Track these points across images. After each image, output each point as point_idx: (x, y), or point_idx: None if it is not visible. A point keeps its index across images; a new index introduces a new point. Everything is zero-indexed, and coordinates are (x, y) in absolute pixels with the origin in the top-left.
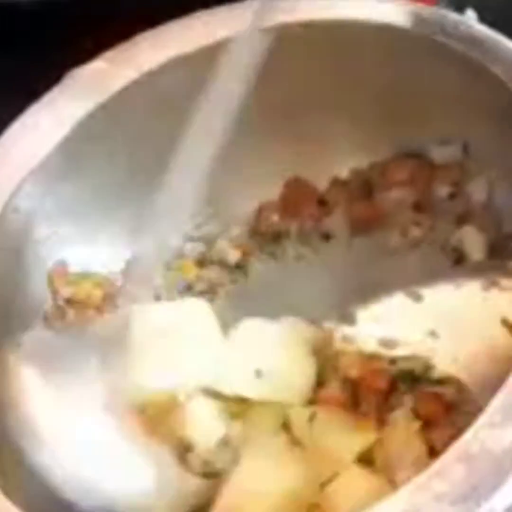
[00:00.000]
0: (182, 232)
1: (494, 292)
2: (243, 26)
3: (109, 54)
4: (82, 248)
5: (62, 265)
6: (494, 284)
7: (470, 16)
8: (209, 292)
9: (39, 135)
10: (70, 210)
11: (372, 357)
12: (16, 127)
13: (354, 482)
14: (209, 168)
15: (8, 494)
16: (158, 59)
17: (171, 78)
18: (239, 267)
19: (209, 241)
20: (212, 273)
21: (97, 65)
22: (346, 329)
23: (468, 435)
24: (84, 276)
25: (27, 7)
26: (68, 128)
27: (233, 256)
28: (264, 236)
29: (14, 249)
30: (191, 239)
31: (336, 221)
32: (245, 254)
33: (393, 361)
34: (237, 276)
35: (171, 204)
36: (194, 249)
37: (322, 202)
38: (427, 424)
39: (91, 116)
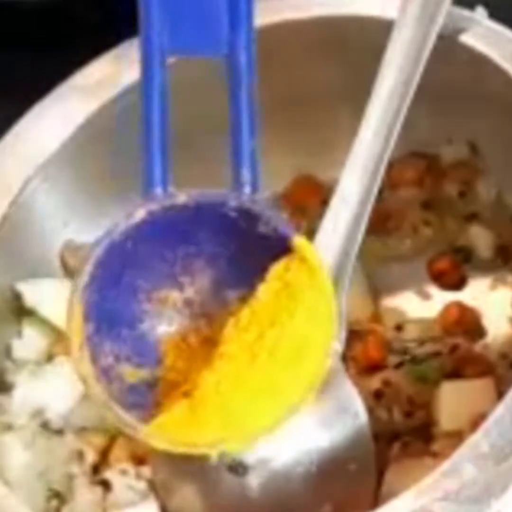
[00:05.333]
0: None
1: (501, 290)
2: None
3: (115, 51)
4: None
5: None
6: (502, 282)
7: (480, 13)
8: None
9: (46, 132)
10: (78, 204)
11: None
12: (23, 124)
13: None
14: None
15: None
16: None
17: (175, 75)
18: None
19: None
20: None
21: (103, 63)
22: None
23: (478, 435)
24: None
25: (32, 6)
26: (75, 125)
27: None
28: None
29: (22, 243)
30: None
31: None
32: None
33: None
34: None
35: None
36: None
37: None
38: None
39: (98, 113)
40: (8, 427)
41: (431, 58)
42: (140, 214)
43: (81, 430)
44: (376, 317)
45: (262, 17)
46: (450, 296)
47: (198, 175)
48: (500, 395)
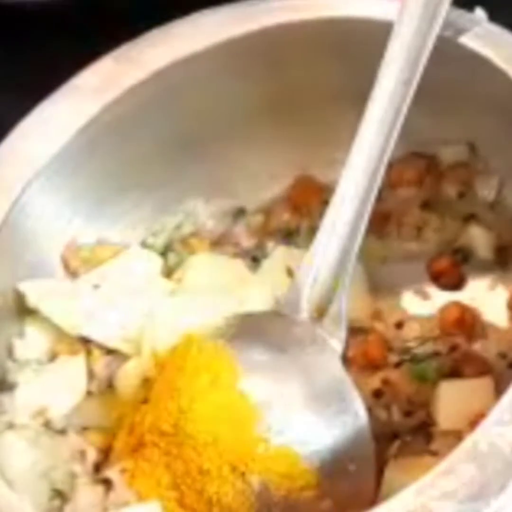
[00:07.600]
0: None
1: (500, 290)
2: (250, 24)
3: (117, 52)
4: (95, 238)
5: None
6: (501, 282)
7: (480, 14)
8: None
9: (50, 132)
10: (80, 205)
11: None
12: (27, 124)
13: None
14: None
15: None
16: (165, 57)
17: (178, 76)
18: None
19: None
20: None
21: (105, 64)
22: None
23: (477, 434)
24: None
25: (33, 7)
26: (76, 126)
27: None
28: (275, 234)
29: (24, 244)
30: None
31: None
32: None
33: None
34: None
35: None
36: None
37: None
38: None
39: (99, 115)
40: (10, 427)
41: (431, 59)
42: None
43: (83, 430)
44: (376, 316)
45: (263, 18)
46: (449, 296)
47: None
48: (498, 394)
